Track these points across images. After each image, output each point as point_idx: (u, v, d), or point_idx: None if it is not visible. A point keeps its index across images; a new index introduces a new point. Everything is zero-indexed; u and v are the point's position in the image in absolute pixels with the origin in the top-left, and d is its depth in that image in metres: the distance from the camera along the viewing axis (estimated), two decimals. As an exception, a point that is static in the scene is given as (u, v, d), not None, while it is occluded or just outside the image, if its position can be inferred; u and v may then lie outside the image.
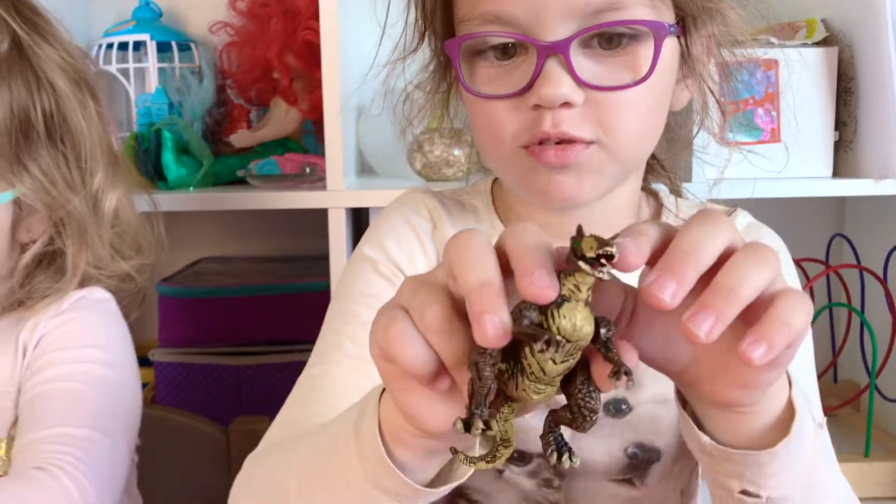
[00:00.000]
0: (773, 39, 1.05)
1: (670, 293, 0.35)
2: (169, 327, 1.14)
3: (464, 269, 0.37)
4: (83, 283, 0.74)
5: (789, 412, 0.44)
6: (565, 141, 0.56)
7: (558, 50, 0.54)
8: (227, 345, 1.14)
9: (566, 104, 0.55)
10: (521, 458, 0.65)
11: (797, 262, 1.17)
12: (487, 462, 0.41)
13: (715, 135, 0.68)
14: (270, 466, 0.56)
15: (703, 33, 0.61)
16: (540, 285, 0.35)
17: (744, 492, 0.46)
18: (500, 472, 0.66)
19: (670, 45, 0.57)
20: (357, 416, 0.46)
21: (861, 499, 1.07)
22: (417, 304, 0.39)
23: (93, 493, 0.64)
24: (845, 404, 1.19)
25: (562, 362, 0.37)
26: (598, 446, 0.64)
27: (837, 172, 1.07)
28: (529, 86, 0.55)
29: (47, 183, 0.69)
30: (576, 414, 0.39)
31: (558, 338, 0.35)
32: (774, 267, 0.38)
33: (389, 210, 0.71)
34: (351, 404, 0.49)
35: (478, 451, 0.44)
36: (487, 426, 0.37)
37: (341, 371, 0.61)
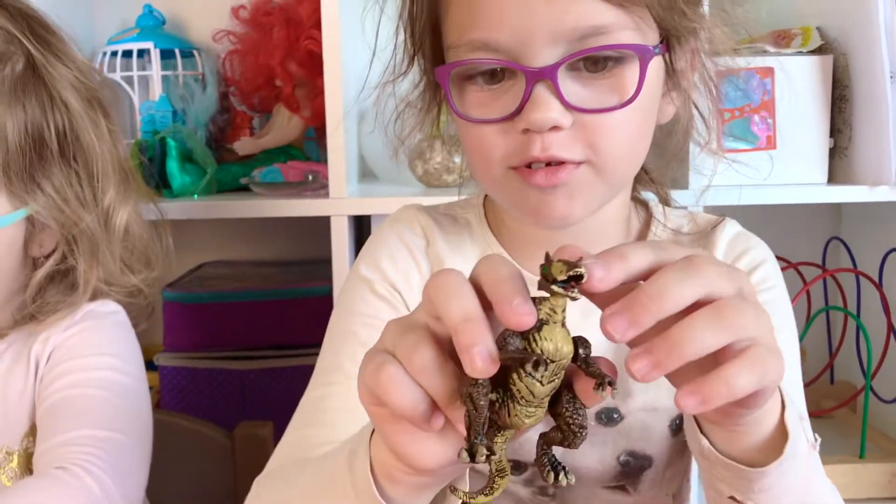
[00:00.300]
0: (768, 47, 1.07)
1: (621, 331, 0.37)
2: (173, 332, 1.16)
3: (446, 307, 0.39)
4: (93, 297, 0.75)
5: (783, 433, 0.46)
6: (555, 162, 0.57)
7: (546, 75, 0.55)
8: (231, 349, 1.15)
9: (555, 128, 0.55)
10: (516, 467, 0.66)
11: (794, 266, 1.19)
12: (486, 495, 0.43)
13: (702, 145, 0.69)
14: (277, 492, 0.58)
15: (686, 48, 0.62)
16: (520, 312, 0.37)
17: (733, 498, 0.48)
18: None
19: (655, 63, 0.58)
20: (349, 454, 0.48)
21: (856, 499, 1.09)
22: (404, 348, 0.40)
23: (116, 491, 0.65)
24: (841, 406, 1.20)
25: (548, 383, 0.38)
26: (591, 454, 0.66)
27: (833, 179, 1.09)
28: (518, 110, 0.56)
29: (60, 201, 0.70)
30: (566, 432, 0.40)
31: (545, 357, 0.37)
32: (710, 283, 0.39)
33: (383, 228, 0.72)
34: (352, 425, 0.51)
35: (468, 484, 0.47)
36: (491, 451, 0.38)
37: (342, 392, 0.63)
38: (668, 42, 0.59)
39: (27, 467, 0.70)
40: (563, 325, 0.38)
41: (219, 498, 0.88)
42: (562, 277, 0.37)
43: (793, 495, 0.48)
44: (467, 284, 0.39)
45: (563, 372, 0.39)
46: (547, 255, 0.38)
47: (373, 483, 0.45)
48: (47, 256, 0.72)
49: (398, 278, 0.68)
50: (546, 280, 0.37)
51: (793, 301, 1.06)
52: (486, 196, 0.72)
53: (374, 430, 0.46)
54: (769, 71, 1.05)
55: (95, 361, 0.71)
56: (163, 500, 0.82)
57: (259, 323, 1.16)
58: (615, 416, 0.65)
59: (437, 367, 0.39)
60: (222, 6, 1.25)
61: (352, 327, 0.66)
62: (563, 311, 0.38)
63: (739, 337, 0.39)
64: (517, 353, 0.37)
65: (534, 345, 0.37)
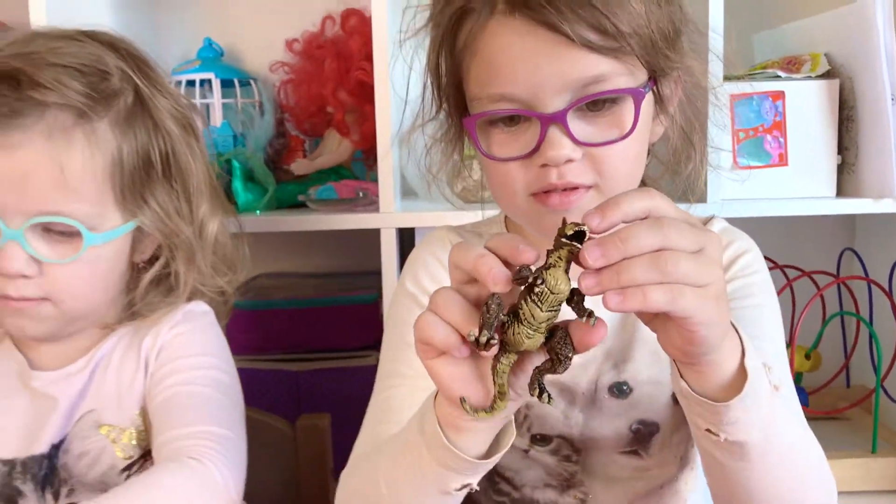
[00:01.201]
0: (780, 73, 1.16)
1: (593, 259, 0.49)
2: (234, 336, 1.27)
3: (465, 257, 0.52)
4: (189, 298, 0.85)
5: (744, 375, 0.56)
6: (569, 188, 0.68)
7: (558, 119, 0.65)
8: (287, 352, 1.26)
9: (568, 160, 0.66)
10: (543, 439, 0.78)
11: (808, 274, 1.27)
12: (487, 412, 0.54)
13: (693, 161, 0.79)
14: (360, 476, 0.70)
15: (669, 79, 0.72)
16: (522, 250, 0.51)
17: (708, 430, 0.58)
18: (526, 451, 0.79)
19: (646, 96, 0.69)
20: (419, 421, 0.60)
21: (868, 492, 1.17)
22: (437, 301, 0.54)
23: (232, 483, 0.74)
24: (854, 405, 1.28)
25: (547, 310, 0.51)
26: (608, 425, 0.77)
27: (841, 192, 1.18)
28: (536, 149, 0.67)
29: (163, 214, 0.81)
30: (554, 360, 0.52)
31: (545, 287, 0.50)
32: (673, 236, 0.50)
33: (420, 249, 0.84)
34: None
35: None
36: (492, 338, 0.50)
37: (403, 392, 0.75)
38: (654, 77, 0.70)
39: (138, 443, 0.80)
40: (566, 271, 0.50)
41: (283, 480, 0.98)
42: (569, 232, 0.49)
43: (757, 430, 0.58)
44: (479, 246, 0.52)
45: (559, 307, 0.51)
46: (564, 220, 0.51)
47: (441, 432, 0.57)
48: (148, 262, 0.83)
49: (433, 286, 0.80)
50: (559, 236, 0.50)
51: (805, 307, 1.15)
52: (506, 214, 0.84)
53: (436, 395, 0.58)
54: (780, 94, 1.14)
55: (200, 361, 0.82)
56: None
57: (311, 328, 1.27)
58: (625, 388, 0.76)
59: (458, 308, 0.53)
60: (276, 39, 1.37)
61: (404, 337, 0.75)
62: (567, 260, 0.50)
63: (670, 244, 0.50)
64: (527, 274, 0.50)
65: (540, 278, 0.50)
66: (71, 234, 0.75)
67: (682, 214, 0.53)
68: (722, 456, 0.60)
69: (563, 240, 0.49)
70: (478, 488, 0.61)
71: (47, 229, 0.75)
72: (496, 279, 0.50)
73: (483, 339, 0.50)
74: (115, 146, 0.77)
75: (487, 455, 0.59)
